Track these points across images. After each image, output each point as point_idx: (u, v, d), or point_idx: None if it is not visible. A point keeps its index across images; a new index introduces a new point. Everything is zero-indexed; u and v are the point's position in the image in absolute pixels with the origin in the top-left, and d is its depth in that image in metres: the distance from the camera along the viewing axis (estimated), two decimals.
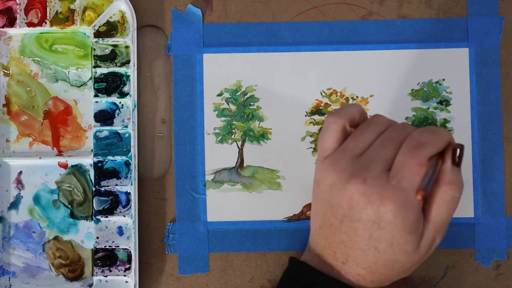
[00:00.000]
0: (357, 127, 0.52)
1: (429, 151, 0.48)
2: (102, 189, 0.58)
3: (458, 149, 0.49)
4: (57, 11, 0.59)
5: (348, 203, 0.48)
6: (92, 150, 0.59)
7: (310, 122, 0.59)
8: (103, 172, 0.58)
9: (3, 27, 0.59)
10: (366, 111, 0.59)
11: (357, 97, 0.59)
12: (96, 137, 0.58)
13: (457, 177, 0.49)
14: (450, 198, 0.49)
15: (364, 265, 0.49)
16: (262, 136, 0.59)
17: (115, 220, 0.58)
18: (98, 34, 0.59)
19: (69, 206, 0.59)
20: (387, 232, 0.48)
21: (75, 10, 0.59)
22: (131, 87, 0.58)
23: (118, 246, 0.58)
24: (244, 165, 0.59)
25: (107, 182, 0.58)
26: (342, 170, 0.49)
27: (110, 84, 0.59)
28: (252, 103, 0.59)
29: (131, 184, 0.58)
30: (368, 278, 0.50)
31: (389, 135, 0.50)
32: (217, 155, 0.59)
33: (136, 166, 0.58)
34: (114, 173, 0.58)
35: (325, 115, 0.56)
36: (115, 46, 0.59)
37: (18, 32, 0.60)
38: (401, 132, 0.50)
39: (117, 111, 0.59)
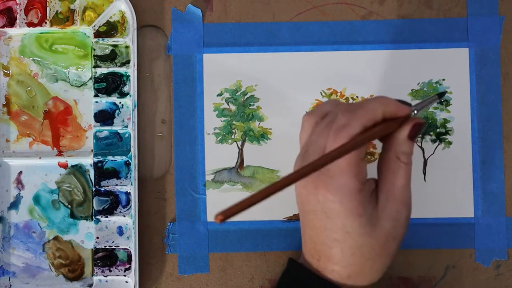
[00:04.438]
0: None
1: (348, 133, 0.46)
2: (102, 189, 0.58)
3: (420, 125, 0.48)
4: (57, 11, 0.59)
5: (299, 197, 0.49)
6: (92, 150, 0.59)
7: None
8: (103, 172, 0.58)
9: (3, 27, 0.59)
10: None
11: (357, 97, 0.59)
12: (96, 137, 0.58)
13: (410, 148, 0.49)
14: (403, 166, 0.48)
15: (334, 260, 0.48)
16: (262, 136, 0.59)
17: (115, 220, 0.58)
18: (98, 34, 0.59)
19: (69, 206, 0.59)
20: (336, 220, 0.47)
21: (75, 10, 0.59)
22: (131, 87, 0.58)
23: (118, 246, 0.58)
24: (244, 165, 0.59)
25: (107, 182, 0.58)
26: (296, 166, 0.49)
27: (110, 84, 0.59)
28: (252, 103, 0.59)
29: (131, 184, 0.58)
30: (343, 273, 0.49)
31: (326, 120, 0.49)
32: (217, 155, 0.59)
33: (136, 166, 0.58)
34: (114, 173, 0.58)
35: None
36: (115, 46, 0.59)
37: (18, 32, 0.60)
38: (334, 115, 0.49)
39: (117, 111, 0.59)
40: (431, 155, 0.59)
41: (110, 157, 0.58)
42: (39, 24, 0.59)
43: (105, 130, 0.58)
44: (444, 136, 0.59)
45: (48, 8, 0.59)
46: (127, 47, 0.59)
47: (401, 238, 0.49)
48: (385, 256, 0.49)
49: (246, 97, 0.60)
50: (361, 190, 0.47)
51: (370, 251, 0.48)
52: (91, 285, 0.58)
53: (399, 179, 0.49)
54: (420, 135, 0.57)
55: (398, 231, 0.48)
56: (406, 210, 0.49)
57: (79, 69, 0.60)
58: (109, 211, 0.58)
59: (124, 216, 0.58)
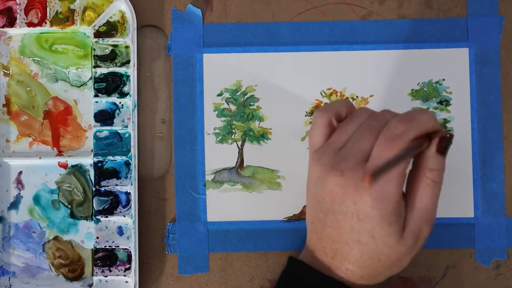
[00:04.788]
0: None
1: (404, 140, 0.47)
2: (102, 189, 0.58)
3: (446, 138, 0.48)
4: (57, 11, 0.59)
5: (330, 196, 0.48)
6: (92, 150, 0.59)
7: (310, 122, 0.59)
8: (103, 172, 0.58)
9: (3, 27, 0.59)
10: None
11: (357, 97, 0.59)
12: (96, 137, 0.58)
13: (438, 163, 0.49)
14: (431, 183, 0.49)
15: (351, 260, 0.49)
16: (262, 136, 0.59)
17: (115, 220, 0.58)
18: (98, 34, 0.59)
19: (69, 206, 0.59)
20: (367, 223, 0.48)
21: (75, 10, 0.59)
22: (131, 87, 0.58)
23: (118, 246, 0.58)
24: (244, 165, 0.59)
25: (107, 182, 0.58)
26: (324, 163, 0.49)
27: (110, 84, 0.59)
28: (252, 103, 0.59)
29: (131, 184, 0.58)
30: (357, 273, 0.49)
31: (367, 124, 0.50)
32: (217, 155, 0.59)
33: (136, 166, 0.58)
34: (114, 173, 0.58)
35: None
36: (115, 46, 0.59)
37: (18, 32, 0.60)
38: (379, 120, 0.49)
39: (117, 111, 0.59)
40: None
41: (110, 157, 0.58)
42: (39, 24, 0.59)
43: (105, 130, 0.58)
44: None
45: (48, 8, 0.59)
46: (127, 47, 0.59)
47: (416, 253, 0.50)
48: (398, 267, 0.50)
49: (246, 97, 0.60)
50: (399, 201, 0.48)
51: (386, 260, 0.49)
52: (91, 285, 0.58)
53: (426, 198, 0.49)
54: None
55: (416, 248, 0.50)
56: (428, 229, 0.49)
57: (79, 69, 0.60)
58: (109, 211, 0.58)
59: (124, 216, 0.58)
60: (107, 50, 0.59)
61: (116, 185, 0.58)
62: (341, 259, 0.49)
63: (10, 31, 0.59)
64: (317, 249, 0.51)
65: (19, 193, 0.59)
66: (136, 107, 0.58)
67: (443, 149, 0.49)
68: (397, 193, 0.47)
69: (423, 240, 0.49)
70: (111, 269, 0.58)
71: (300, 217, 0.59)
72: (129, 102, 0.59)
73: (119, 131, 0.58)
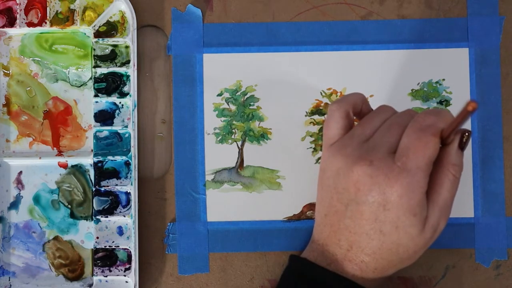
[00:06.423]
0: (360, 115, 0.53)
1: (433, 131, 0.48)
2: (102, 189, 0.58)
3: (466, 134, 0.50)
4: (57, 11, 0.59)
5: (355, 186, 0.49)
6: (92, 150, 0.59)
7: (310, 122, 0.59)
8: (103, 172, 0.58)
9: (3, 27, 0.59)
10: None
11: None
12: (96, 137, 0.58)
13: (459, 159, 0.50)
14: (452, 178, 0.49)
15: (369, 251, 0.49)
16: (262, 136, 0.59)
17: (115, 220, 0.58)
18: (98, 34, 0.59)
19: (69, 206, 0.59)
20: (393, 213, 0.48)
21: (75, 10, 0.59)
22: (131, 87, 0.58)
23: (118, 246, 0.58)
24: (244, 165, 0.59)
25: (107, 182, 0.58)
26: (348, 154, 0.49)
27: (110, 84, 0.59)
28: (252, 103, 0.59)
29: (131, 184, 0.58)
30: (371, 265, 0.50)
31: (394, 120, 0.51)
32: (217, 155, 0.59)
33: (136, 166, 0.58)
34: (114, 173, 0.58)
35: (329, 104, 0.57)
36: (115, 46, 0.59)
37: (18, 32, 0.60)
38: (405, 116, 0.51)
39: (117, 111, 0.59)
40: None
41: (110, 157, 0.58)
42: (39, 24, 0.59)
43: (105, 130, 0.58)
44: None
45: (48, 8, 0.59)
46: (127, 47, 0.59)
47: (427, 248, 0.51)
48: (411, 260, 0.51)
49: (246, 97, 0.60)
50: (425, 192, 0.49)
51: (404, 252, 0.49)
52: (91, 285, 0.58)
53: (447, 192, 0.50)
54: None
55: (431, 241, 0.50)
56: (444, 224, 0.50)
57: (79, 69, 0.60)
58: (109, 211, 0.58)
59: (124, 216, 0.58)
60: (107, 50, 0.59)
61: (116, 185, 0.58)
62: (358, 251, 0.49)
63: (10, 31, 0.59)
64: (330, 242, 0.51)
65: (19, 193, 0.59)
66: (136, 107, 0.58)
67: (464, 146, 0.50)
68: (425, 183, 0.48)
69: (438, 234, 0.50)
70: (111, 269, 0.58)
71: (300, 217, 0.59)
72: (129, 102, 0.59)
73: (119, 131, 0.58)
